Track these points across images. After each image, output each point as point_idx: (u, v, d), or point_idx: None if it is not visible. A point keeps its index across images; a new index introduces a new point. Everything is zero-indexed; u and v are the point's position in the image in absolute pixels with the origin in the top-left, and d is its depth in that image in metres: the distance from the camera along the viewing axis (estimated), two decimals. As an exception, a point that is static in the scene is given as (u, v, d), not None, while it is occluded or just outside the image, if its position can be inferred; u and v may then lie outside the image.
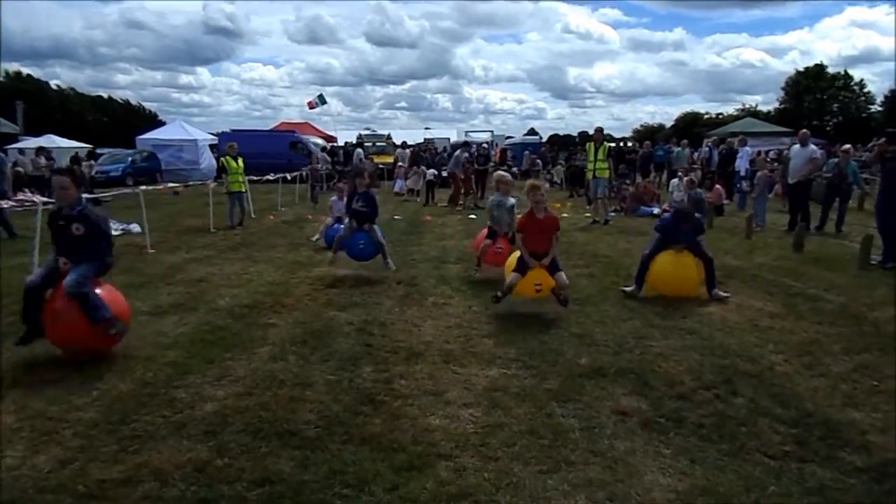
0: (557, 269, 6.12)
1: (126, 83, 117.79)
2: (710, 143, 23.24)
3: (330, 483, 3.07)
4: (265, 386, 4.30)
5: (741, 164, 16.94)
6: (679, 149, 21.49)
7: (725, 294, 6.79)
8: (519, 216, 6.32)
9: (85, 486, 3.03)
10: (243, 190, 13.58)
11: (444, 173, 19.94)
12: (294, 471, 3.19)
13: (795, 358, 4.92)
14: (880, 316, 6.07)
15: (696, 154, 23.54)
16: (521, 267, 5.97)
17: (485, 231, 7.85)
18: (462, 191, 18.20)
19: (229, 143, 14.12)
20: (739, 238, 11.23)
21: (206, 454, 3.36)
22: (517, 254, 6.23)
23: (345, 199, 8.47)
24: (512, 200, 7.65)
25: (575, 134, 79.64)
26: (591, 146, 13.76)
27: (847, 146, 12.24)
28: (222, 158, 13.79)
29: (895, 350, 5.02)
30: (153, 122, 57.72)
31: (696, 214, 7.43)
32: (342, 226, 8.54)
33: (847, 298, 6.75)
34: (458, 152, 18.57)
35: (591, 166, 13.66)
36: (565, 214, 14.97)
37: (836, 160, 12.91)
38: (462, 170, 18.10)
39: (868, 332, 5.58)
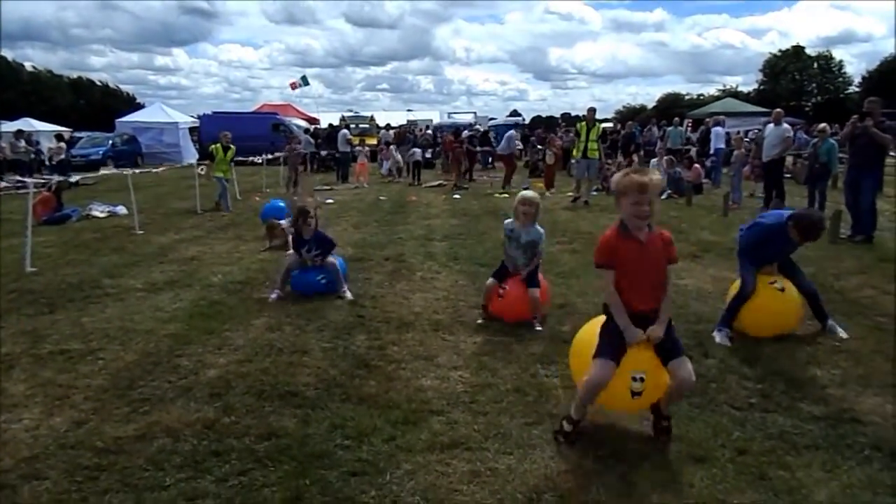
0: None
1: (101, 65, 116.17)
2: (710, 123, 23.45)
3: (332, 435, 3.31)
4: (264, 353, 4.52)
5: (714, 144, 17.60)
6: (671, 128, 21.76)
7: (842, 333, 4.86)
8: (603, 236, 3.24)
9: (102, 443, 3.24)
10: (227, 178, 13.26)
11: (429, 154, 20.13)
12: (297, 426, 3.42)
13: (764, 323, 5.22)
14: (845, 284, 6.41)
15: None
16: (610, 348, 3.12)
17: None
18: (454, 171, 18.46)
19: (223, 132, 13.60)
20: (717, 215, 11.57)
21: (213, 413, 3.58)
22: (594, 326, 3.41)
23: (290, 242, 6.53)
24: (539, 232, 5.22)
25: (558, 115, 79.75)
26: (583, 126, 13.77)
27: (823, 125, 12.56)
28: (212, 146, 13.56)
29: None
30: (131, 104, 56.91)
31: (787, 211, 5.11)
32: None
33: (816, 269, 7.06)
34: (511, 132, 18.66)
35: (581, 146, 13.67)
36: (548, 194, 15.25)
37: (815, 140, 13.26)
38: (447, 148, 18.29)
39: (834, 300, 5.89)
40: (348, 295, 6.03)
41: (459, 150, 18.94)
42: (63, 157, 21.86)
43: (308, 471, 2.97)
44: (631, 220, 3.11)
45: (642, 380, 3.10)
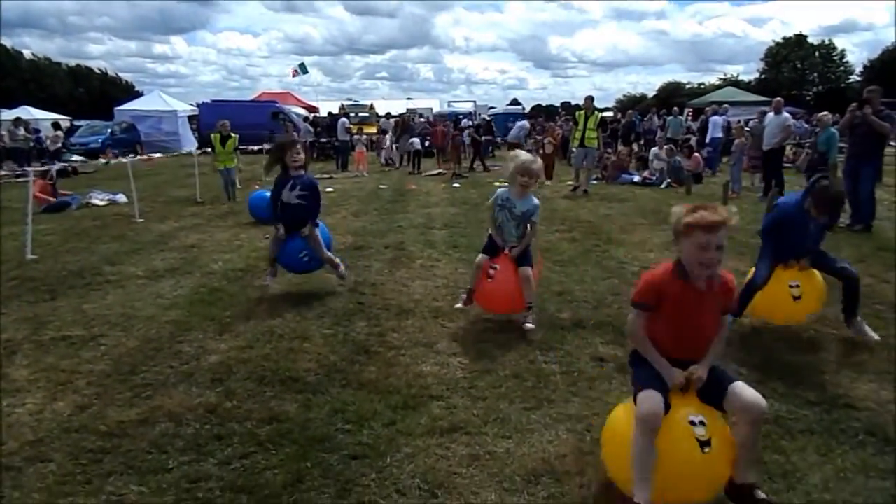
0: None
1: (99, 53, 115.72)
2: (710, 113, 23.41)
3: (333, 420, 3.35)
4: (265, 339, 4.56)
5: (711, 133, 17.86)
6: (671, 117, 21.71)
7: (873, 334, 4.50)
8: (650, 272, 2.74)
9: (105, 426, 3.28)
10: (230, 167, 12.65)
11: (428, 143, 20.14)
12: (298, 411, 3.46)
13: (762, 311, 5.26)
14: (843, 273, 6.43)
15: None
16: (651, 378, 2.61)
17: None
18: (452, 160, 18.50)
19: (221, 121, 12.80)
20: (717, 204, 11.56)
21: (215, 398, 3.61)
22: (624, 412, 2.75)
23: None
24: (534, 203, 4.75)
25: (558, 104, 79.62)
26: (581, 115, 13.71)
27: (823, 114, 12.54)
28: (212, 135, 12.88)
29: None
30: (130, 93, 56.71)
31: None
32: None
33: (814, 258, 7.10)
34: (524, 122, 18.79)
35: (578, 135, 13.61)
36: (548, 183, 15.26)
37: (816, 129, 13.26)
38: (451, 138, 18.34)
39: (831, 288, 5.92)
40: (341, 269, 5.75)
41: (459, 138, 18.94)
42: (59, 144, 21.79)
43: (309, 454, 3.01)
44: (694, 267, 2.51)
45: (703, 423, 2.46)
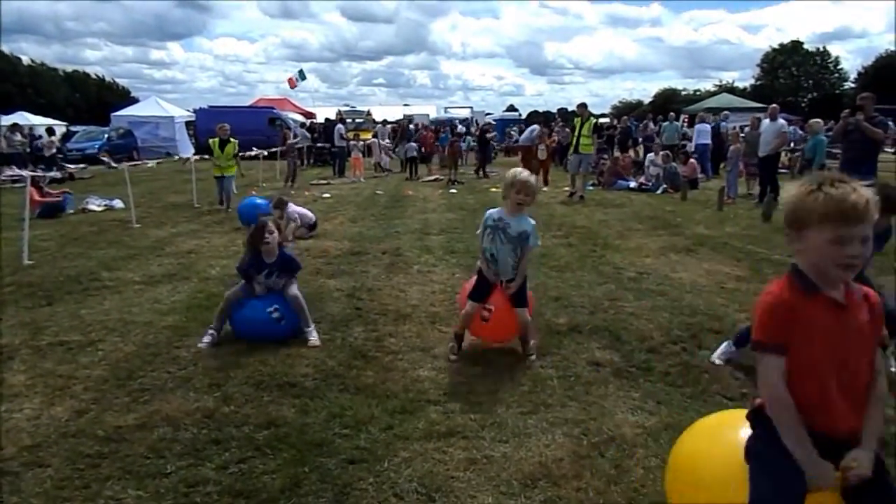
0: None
1: (96, 59, 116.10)
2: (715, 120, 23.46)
3: (330, 425, 3.36)
4: (262, 345, 4.55)
5: (697, 140, 18.17)
6: (667, 123, 21.74)
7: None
8: (765, 294, 1.89)
9: (103, 431, 3.28)
10: (229, 174, 12.12)
11: (424, 149, 20.25)
12: (296, 415, 3.47)
13: (757, 316, 5.29)
14: (838, 278, 6.47)
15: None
16: (780, 490, 1.78)
17: (470, 282, 4.42)
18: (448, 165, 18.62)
19: (220, 125, 12.17)
20: (712, 210, 11.64)
21: (212, 403, 3.62)
22: (708, 428, 2.38)
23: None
24: (530, 223, 4.18)
25: (554, 110, 79.89)
26: (578, 121, 13.97)
27: (814, 121, 12.66)
28: (210, 140, 12.22)
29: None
30: (126, 98, 56.73)
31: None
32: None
33: (809, 263, 7.15)
34: (535, 127, 18.98)
35: (573, 141, 13.85)
36: (545, 189, 15.31)
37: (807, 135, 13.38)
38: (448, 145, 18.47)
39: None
40: (314, 338, 4.57)
41: (456, 144, 19.03)
42: (54, 150, 21.75)
43: (307, 458, 3.02)
44: (829, 269, 1.80)
45: None
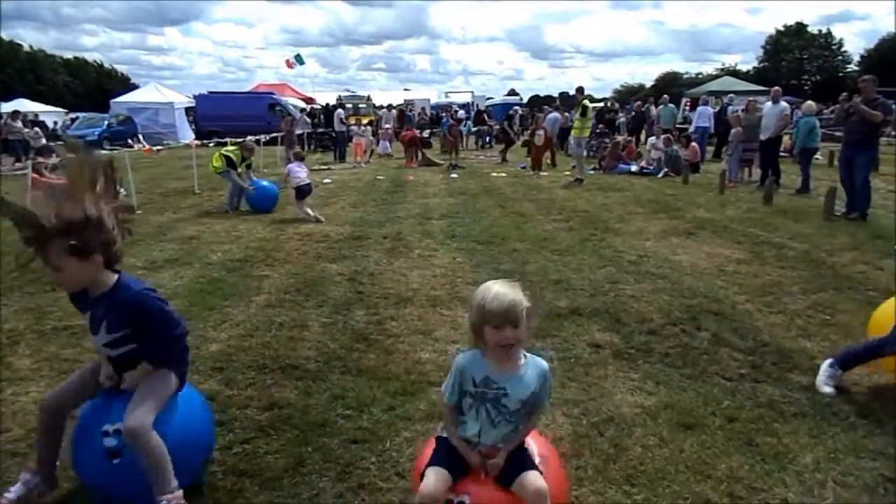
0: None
1: (94, 45, 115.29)
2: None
3: (333, 406, 3.40)
4: (265, 328, 4.60)
5: (697, 122, 18.17)
6: (662, 106, 21.63)
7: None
8: None
9: (108, 413, 3.32)
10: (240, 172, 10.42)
11: (427, 133, 20.16)
12: (299, 397, 3.51)
13: (758, 298, 5.31)
14: (838, 260, 6.49)
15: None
16: None
17: (429, 445, 2.36)
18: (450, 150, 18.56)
19: (248, 144, 10.84)
20: (713, 193, 11.62)
21: (216, 385, 3.66)
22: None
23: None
24: (540, 369, 2.28)
25: (555, 94, 79.48)
26: (579, 106, 14.01)
27: (808, 103, 12.67)
28: (235, 152, 10.42)
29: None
30: (125, 85, 56.47)
31: None
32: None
33: (809, 245, 7.16)
34: (554, 115, 18.97)
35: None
36: (544, 174, 15.30)
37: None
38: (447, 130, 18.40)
39: (826, 275, 5.98)
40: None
41: (456, 129, 18.97)
42: (43, 141, 21.66)
43: (310, 439, 3.06)
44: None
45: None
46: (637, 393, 3.56)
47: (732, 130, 14.28)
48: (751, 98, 15.09)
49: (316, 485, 2.72)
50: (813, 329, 4.58)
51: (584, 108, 13.44)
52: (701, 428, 3.15)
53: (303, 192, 9.27)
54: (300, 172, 9.33)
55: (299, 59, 38.89)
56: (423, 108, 32.89)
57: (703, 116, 18.02)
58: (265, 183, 10.52)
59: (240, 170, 10.30)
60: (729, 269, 6.24)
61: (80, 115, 31.89)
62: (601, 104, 31.59)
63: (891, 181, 12.13)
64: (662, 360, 4.02)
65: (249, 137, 12.18)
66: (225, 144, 12.07)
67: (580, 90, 14.35)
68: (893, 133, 22.25)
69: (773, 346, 4.24)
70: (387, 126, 23.62)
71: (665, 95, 22.47)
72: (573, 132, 13.88)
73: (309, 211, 9.13)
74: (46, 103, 34.99)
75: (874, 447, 2.99)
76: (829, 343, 4.29)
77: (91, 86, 59.01)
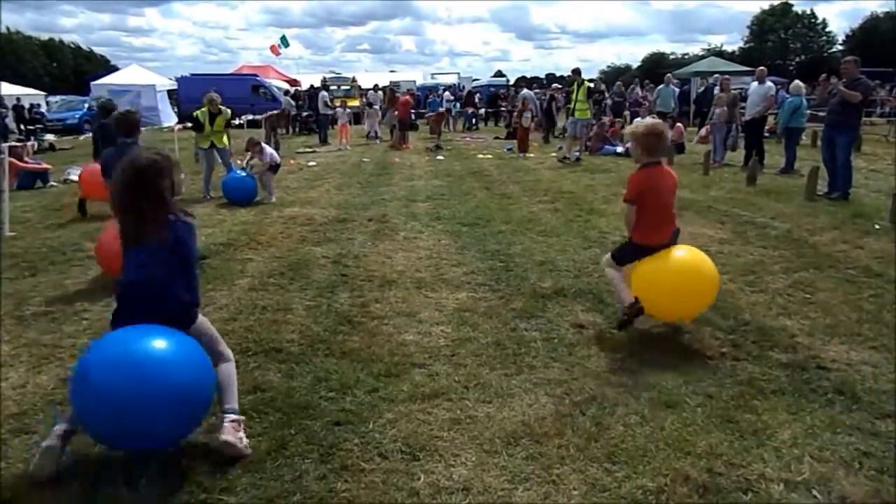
0: None
1: (72, 26, 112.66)
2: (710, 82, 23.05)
3: (316, 388, 3.39)
4: (248, 312, 4.57)
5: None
6: (662, 86, 21.30)
7: None
8: None
9: (89, 398, 3.29)
10: (221, 146, 10.07)
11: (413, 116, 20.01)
12: (282, 380, 3.50)
13: (739, 277, 5.36)
14: (819, 239, 6.55)
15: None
16: None
17: None
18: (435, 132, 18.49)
19: (209, 94, 10.06)
20: (698, 174, 11.66)
21: (198, 370, 3.63)
22: None
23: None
24: None
25: (542, 75, 79.25)
26: (575, 87, 14.34)
27: (795, 83, 12.70)
28: (197, 112, 10.06)
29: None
30: (105, 67, 55.37)
31: None
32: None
33: (792, 225, 7.22)
34: (526, 91, 19.07)
35: (572, 106, 14.44)
36: (531, 155, 15.27)
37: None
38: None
39: (807, 254, 6.04)
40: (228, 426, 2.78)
41: (441, 111, 18.88)
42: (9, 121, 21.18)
43: (293, 421, 3.06)
44: None
45: None
46: (620, 373, 3.58)
47: (717, 111, 14.30)
48: (724, 77, 15.20)
49: (299, 467, 2.72)
50: (793, 307, 4.63)
51: (589, 89, 13.67)
52: (681, 406, 3.18)
53: (276, 169, 9.81)
54: (270, 150, 9.90)
55: (284, 42, 38.35)
56: (409, 90, 32.61)
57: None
58: (241, 173, 9.56)
59: (207, 131, 9.71)
60: (712, 248, 6.26)
61: (59, 97, 31.26)
62: (591, 85, 31.47)
63: (872, 160, 12.23)
64: (645, 340, 4.05)
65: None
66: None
67: (577, 71, 14.55)
68: (887, 111, 22.43)
69: (753, 325, 4.28)
70: (375, 107, 23.38)
71: (668, 75, 22.33)
72: (577, 114, 13.99)
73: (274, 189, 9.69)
74: (26, 86, 34.21)
75: (851, 422, 3.04)
76: (809, 321, 4.35)
77: (68, 68, 57.84)
